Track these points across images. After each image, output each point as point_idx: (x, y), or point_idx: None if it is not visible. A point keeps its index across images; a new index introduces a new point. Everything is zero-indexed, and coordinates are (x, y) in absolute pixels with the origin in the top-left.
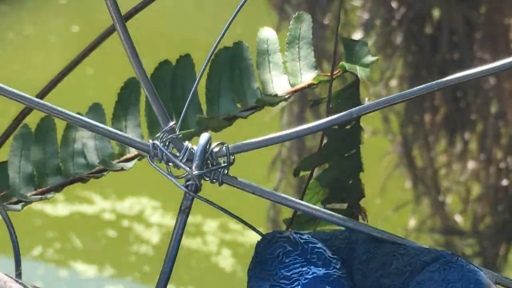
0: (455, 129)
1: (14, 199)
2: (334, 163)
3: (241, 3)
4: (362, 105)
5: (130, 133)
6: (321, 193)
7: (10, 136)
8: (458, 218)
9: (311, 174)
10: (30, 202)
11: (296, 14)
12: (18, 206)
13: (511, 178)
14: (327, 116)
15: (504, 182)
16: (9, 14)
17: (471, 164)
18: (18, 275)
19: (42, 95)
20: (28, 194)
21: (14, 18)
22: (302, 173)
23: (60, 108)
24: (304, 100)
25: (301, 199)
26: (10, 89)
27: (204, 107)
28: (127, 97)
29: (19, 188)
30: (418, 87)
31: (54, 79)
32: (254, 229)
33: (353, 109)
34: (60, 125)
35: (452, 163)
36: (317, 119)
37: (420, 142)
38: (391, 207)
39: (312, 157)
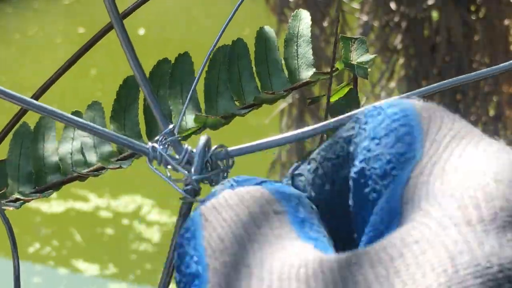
0: None
1: (13, 197)
2: None
3: (238, 3)
4: (364, 108)
5: (129, 131)
6: None
7: (8, 134)
8: None
9: None
10: (29, 200)
11: (295, 12)
12: (17, 204)
13: None
14: (326, 112)
15: None
16: (14, 15)
17: None
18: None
19: (38, 94)
20: (27, 192)
21: (19, 19)
22: None
23: (57, 110)
24: (304, 102)
25: None
26: (4, 89)
27: (202, 105)
28: (125, 96)
29: (17, 186)
30: (429, 86)
31: (49, 78)
32: None
33: (358, 112)
34: (59, 123)
35: None
36: (316, 121)
37: None
38: None
39: (310, 154)
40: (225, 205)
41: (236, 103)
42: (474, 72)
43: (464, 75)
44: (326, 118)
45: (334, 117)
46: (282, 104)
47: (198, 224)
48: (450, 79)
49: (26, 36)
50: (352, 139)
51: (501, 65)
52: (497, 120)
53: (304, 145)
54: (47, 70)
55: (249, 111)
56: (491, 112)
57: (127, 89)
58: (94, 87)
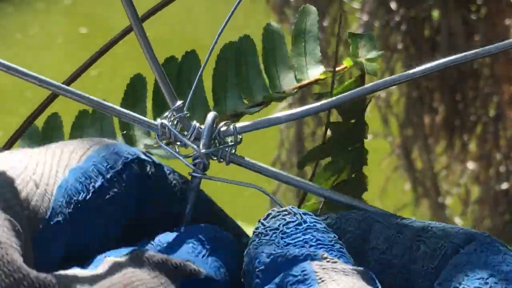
0: (454, 131)
1: None
2: (337, 157)
3: (236, 3)
4: (380, 80)
5: (137, 130)
6: (324, 186)
7: (18, 139)
8: (458, 220)
9: (316, 167)
10: None
11: (302, 7)
12: None
13: (511, 180)
14: (328, 114)
15: (505, 185)
16: (15, 15)
17: (470, 167)
18: None
19: (53, 96)
20: None
21: (20, 19)
22: (306, 166)
23: (70, 88)
24: (306, 100)
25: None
26: (32, 73)
27: (211, 104)
28: (133, 94)
29: None
30: (438, 61)
31: (64, 82)
32: (273, 199)
33: (374, 83)
34: (66, 123)
35: (452, 165)
36: (318, 119)
37: (420, 144)
38: (391, 209)
39: (316, 150)
40: (336, 277)
41: (245, 101)
42: (473, 51)
43: (461, 54)
44: (329, 114)
45: (339, 111)
46: (282, 104)
47: (314, 281)
48: (448, 58)
49: (27, 36)
50: (462, 250)
51: (499, 43)
52: (497, 121)
53: (305, 145)
54: (48, 69)
55: (259, 109)
56: (491, 113)
57: (134, 88)
58: (94, 88)
